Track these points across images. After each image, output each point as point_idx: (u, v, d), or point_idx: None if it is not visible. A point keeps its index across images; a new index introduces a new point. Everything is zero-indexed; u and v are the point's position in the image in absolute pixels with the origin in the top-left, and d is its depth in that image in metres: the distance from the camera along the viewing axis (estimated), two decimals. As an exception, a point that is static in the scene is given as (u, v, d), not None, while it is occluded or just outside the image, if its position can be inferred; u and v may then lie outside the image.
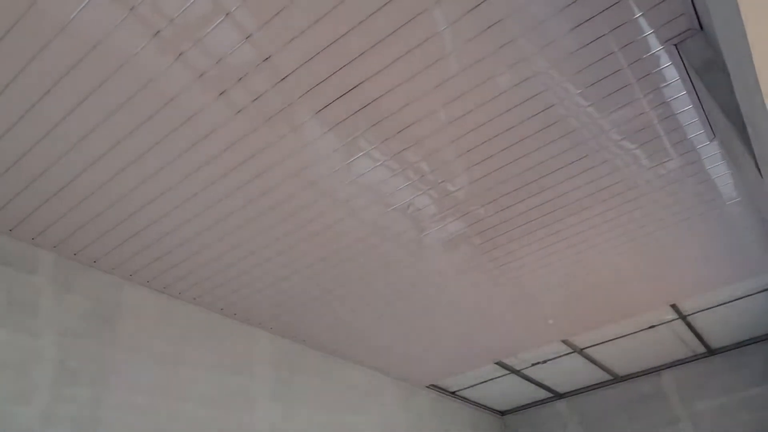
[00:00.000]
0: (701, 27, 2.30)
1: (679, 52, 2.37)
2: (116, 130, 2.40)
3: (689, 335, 5.79)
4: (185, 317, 3.60)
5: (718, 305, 5.20)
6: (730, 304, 5.21)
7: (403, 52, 2.27)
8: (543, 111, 2.65)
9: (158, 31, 2.04)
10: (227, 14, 2.01)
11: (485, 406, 7.11)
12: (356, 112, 2.51)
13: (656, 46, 2.39)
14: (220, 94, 2.30)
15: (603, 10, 2.20)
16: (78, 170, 2.57)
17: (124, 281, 3.33)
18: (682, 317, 5.33)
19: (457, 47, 2.28)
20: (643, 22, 2.27)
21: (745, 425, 5.87)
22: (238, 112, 2.40)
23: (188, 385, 3.42)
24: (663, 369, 6.55)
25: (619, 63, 2.45)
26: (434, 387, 6.12)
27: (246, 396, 3.78)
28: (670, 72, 2.52)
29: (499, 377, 6.22)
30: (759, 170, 2.16)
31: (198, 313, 3.70)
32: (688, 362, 6.42)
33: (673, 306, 5.05)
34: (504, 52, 2.32)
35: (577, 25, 2.24)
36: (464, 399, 6.67)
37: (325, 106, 2.46)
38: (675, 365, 6.48)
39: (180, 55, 2.13)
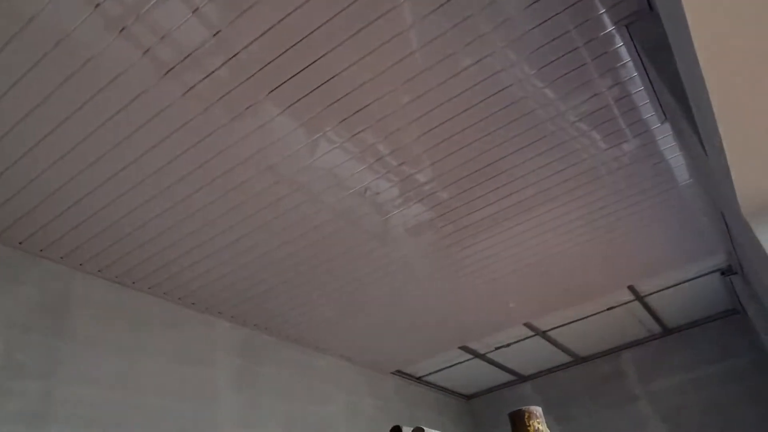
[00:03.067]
0: (651, 8, 2.32)
1: (629, 32, 2.39)
2: (57, 111, 2.28)
3: (646, 316, 5.96)
4: (141, 307, 3.49)
5: (672, 286, 5.36)
6: (684, 284, 5.38)
7: (360, 27, 2.22)
8: (500, 91, 2.64)
9: (98, 5, 1.94)
10: (171, -14, 1.92)
11: (451, 390, 7.18)
12: (312, 91, 2.45)
13: (609, 26, 2.40)
14: (167, 72, 2.21)
15: (558, -12, 2.20)
16: (18, 155, 2.44)
17: (74, 271, 3.19)
18: (639, 298, 5.47)
19: (416, 23, 2.25)
20: (596, 0, 2.28)
21: (699, 402, 6.10)
22: (188, 91, 2.31)
23: (146, 376, 3.32)
24: (622, 349, 6.73)
25: (574, 42, 2.45)
26: (400, 373, 6.14)
27: (207, 386, 3.70)
28: (624, 52, 2.54)
29: (463, 362, 6.29)
30: (703, 148, 2.20)
31: (155, 302, 3.59)
32: (645, 342, 6.62)
33: (631, 287, 5.18)
34: (461, 30, 2.29)
35: (533, 2, 2.23)
36: (430, 384, 6.72)
37: (280, 85, 2.39)
38: (633, 345, 6.67)
39: (122, 30, 2.03)
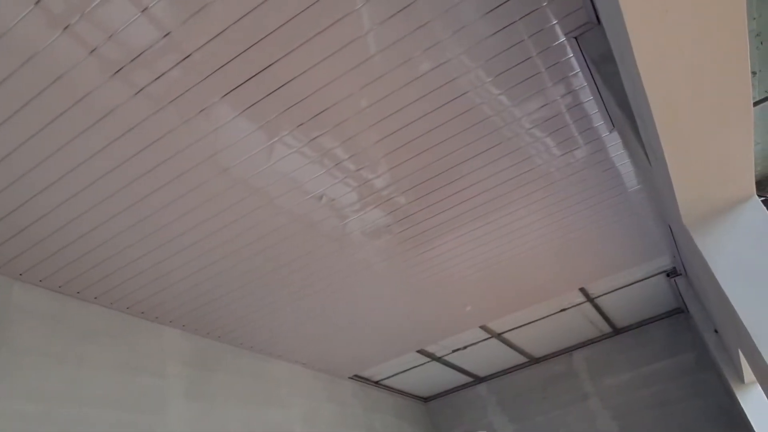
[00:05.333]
0: (599, 21, 2.38)
1: (578, 44, 2.45)
2: (-5, 111, 2.15)
3: (597, 316, 6.15)
4: (85, 317, 3.32)
5: (621, 287, 5.56)
6: (633, 285, 5.58)
7: (317, 30, 2.18)
8: (457, 98, 2.66)
9: (38, 0, 1.83)
10: (119, -17, 1.84)
11: (409, 393, 7.20)
12: (268, 94, 2.40)
13: (561, 37, 2.46)
14: (116, 72, 2.12)
15: (513, -3, 2.23)
16: (-50, 156, 2.28)
17: (12, 281, 3.01)
18: (590, 300, 5.64)
19: (374, 27, 2.23)
20: (549, 11, 2.33)
21: (647, 398, 6.35)
22: (138, 92, 2.22)
23: (91, 388, 3.17)
24: (574, 349, 6.93)
25: (529, 51, 2.50)
26: (358, 377, 6.11)
27: (158, 396, 3.57)
28: (575, 62, 2.60)
29: (421, 365, 6.32)
30: (648, 159, 2.28)
31: (100, 312, 3.43)
32: (596, 342, 6.84)
33: (582, 289, 5.34)
34: (418, 36, 2.29)
35: (489, 11, 2.26)
36: (388, 388, 6.71)
37: (235, 88, 2.32)
38: (585, 345, 6.88)
39: (66, 28, 1.93)
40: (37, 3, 1.84)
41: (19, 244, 2.80)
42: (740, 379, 4.88)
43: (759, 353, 1.82)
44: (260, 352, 4.72)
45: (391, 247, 3.76)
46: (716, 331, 5.08)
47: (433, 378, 6.87)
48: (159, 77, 2.19)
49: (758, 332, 1.83)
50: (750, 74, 1.43)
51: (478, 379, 7.32)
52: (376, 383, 6.49)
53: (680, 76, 1.48)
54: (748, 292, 1.89)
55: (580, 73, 2.67)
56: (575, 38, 2.45)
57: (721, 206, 2.06)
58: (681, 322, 6.45)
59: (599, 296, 5.65)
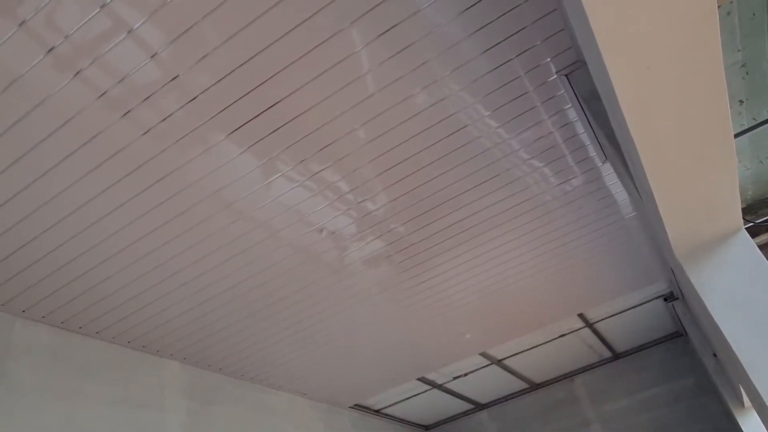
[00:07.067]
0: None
1: (569, 82, 2.53)
2: (6, 152, 2.19)
3: (596, 341, 6.15)
4: (86, 352, 3.32)
5: (620, 312, 5.58)
6: (631, 310, 5.61)
7: (319, 72, 2.26)
8: (457, 131, 2.73)
9: (52, 48, 1.90)
10: (129, 31, 1.90)
11: (409, 421, 7.14)
12: (272, 132, 2.46)
13: (554, 73, 2.54)
14: (125, 114, 2.18)
15: (509, 36, 2.31)
16: (-41, 196, 2.32)
17: (15, 318, 3.02)
18: (589, 325, 5.66)
19: (373, 68, 2.31)
20: (542, 50, 2.41)
21: (647, 423, 6.31)
22: (146, 132, 2.28)
23: (92, 423, 3.15)
24: (575, 374, 6.90)
25: (525, 86, 2.58)
26: (358, 407, 6.06)
27: (157, 430, 3.54)
28: (567, 98, 2.68)
29: (422, 393, 6.28)
30: (638, 192, 2.33)
31: (101, 347, 3.42)
32: (596, 367, 6.82)
33: (581, 315, 5.35)
34: (418, 74, 2.37)
35: (487, 50, 2.34)
36: (388, 416, 6.66)
37: (240, 127, 2.39)
38: (585, 370, 6.86)
39: (78, 73, 1.99)
40: (49, 51, 1.91)
41: (22, 281, 2.81)
42: (740, 403, 4.88)
43: (754, 386, 1.85)
44: (260, 383, 4.69)
45: (391, 277, 3.79)
46: (715, 355, 5.10)
47: (434, 406, 6.82)
48: (166, 118, 2.25)
49: (752, 364, 1.86)
50: (729, 116, 1.50)
51: (479, 406, 7.27)
52: (377, 412, 6.43)
53: (664, 120, 1.55)
54: (741, 325, 1.93)
55: (573, 108, 2.75)
56: (566, 76, 2.54)
57: (711, 240, 2.12)
58: (680, 345, 6.45)
59: (598, 321, 5.66)
